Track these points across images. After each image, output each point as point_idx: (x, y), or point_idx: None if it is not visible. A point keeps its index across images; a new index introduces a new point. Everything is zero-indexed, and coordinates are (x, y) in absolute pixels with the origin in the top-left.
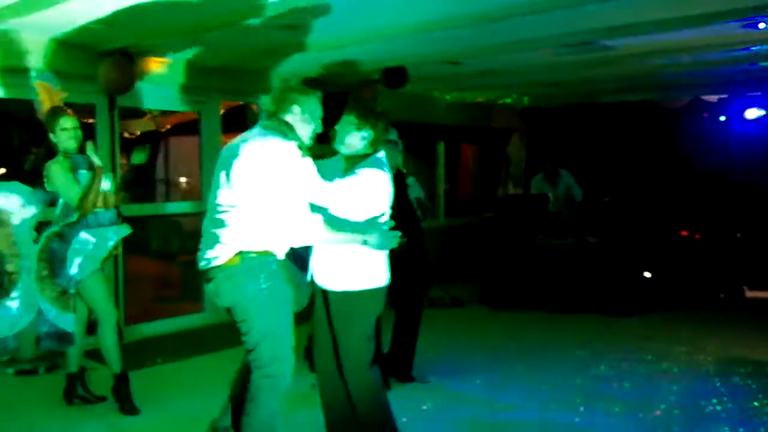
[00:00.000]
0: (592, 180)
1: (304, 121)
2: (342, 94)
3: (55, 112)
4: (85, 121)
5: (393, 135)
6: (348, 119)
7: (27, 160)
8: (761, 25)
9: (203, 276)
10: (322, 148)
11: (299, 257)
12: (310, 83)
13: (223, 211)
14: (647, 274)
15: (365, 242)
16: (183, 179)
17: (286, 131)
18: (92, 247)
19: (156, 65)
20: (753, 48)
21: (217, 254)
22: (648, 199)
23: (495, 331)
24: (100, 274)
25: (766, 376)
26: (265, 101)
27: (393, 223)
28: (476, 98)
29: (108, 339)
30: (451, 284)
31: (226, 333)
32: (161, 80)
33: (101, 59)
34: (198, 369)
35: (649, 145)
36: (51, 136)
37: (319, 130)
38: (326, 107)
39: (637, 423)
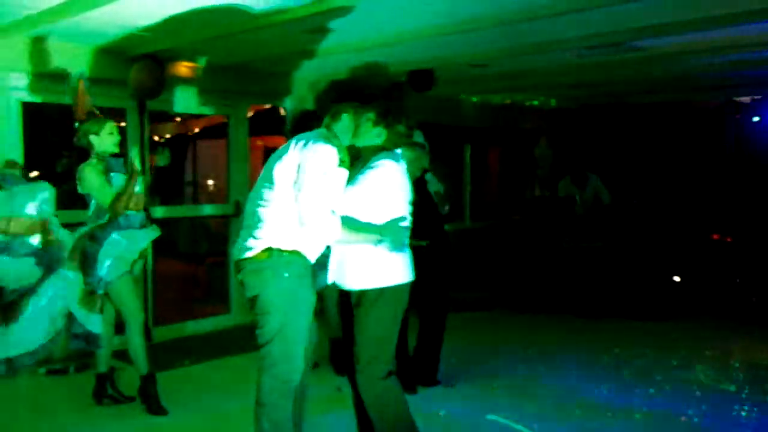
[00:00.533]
0: (621, 182)
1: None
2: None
3: (96, 115)
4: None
5: (419, 137)
6: (367, 115)
7: (60, 163)
8: None
9: (235, 266)
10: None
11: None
12: (339, 86)
13: (260, 207)
14: (677, 278)
15: (380, 242)
16: (210, 182)
17: (332, 138)
18: (122, 248)
19: (185, 69)
20: None
21: (249, 247)
22: (678, 202)
23: (520, 335)
24: (129, 276)
25: None
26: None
27: (410, 223)
28: (503, 100)
29: (135, 340)
30: (476, 287)
31: (252, 334)
32: (190, 84)
33: (131, 64)
34: (225, 370)
35: (679, 146)
36: (91, 138)
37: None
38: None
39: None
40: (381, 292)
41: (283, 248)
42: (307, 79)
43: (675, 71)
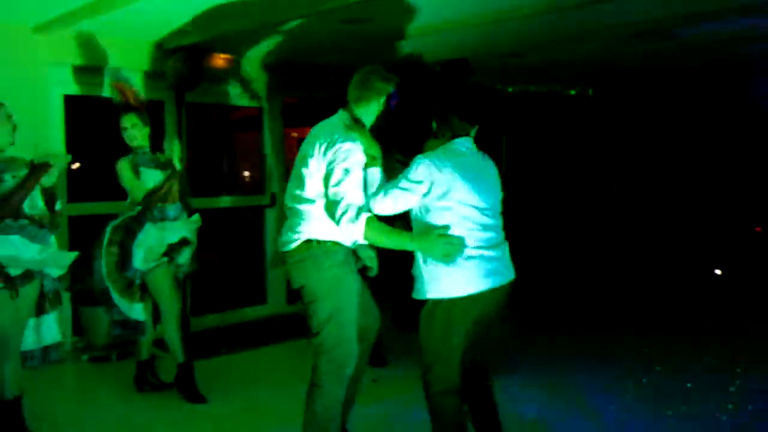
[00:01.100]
0: (659, 174)
1: (374, 111)
2: None
3: (128, 109)
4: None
5: None
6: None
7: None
8: None
9: (281, 259)
10: None
11: None
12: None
13: (295, 201)
14: (718, 272)
15: (423, 253)
16: (246, 173)
17: (355, 129)
18: (153, 240)
19: (221, 61)
20: None
21: (290, 240)
22: (721, 193)
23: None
24: (165, 267)
25: None
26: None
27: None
28: (539, 90)
29: (171, 329)
30: None
31: (288, 324)
32: (226, 76)
33: (169, 56)
34: (261, 359)
35: (725, 137)
36: (123, 132)
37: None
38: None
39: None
40: (435, 304)
41: (321, 239)
42: (341, 70)
43: (719, 59)
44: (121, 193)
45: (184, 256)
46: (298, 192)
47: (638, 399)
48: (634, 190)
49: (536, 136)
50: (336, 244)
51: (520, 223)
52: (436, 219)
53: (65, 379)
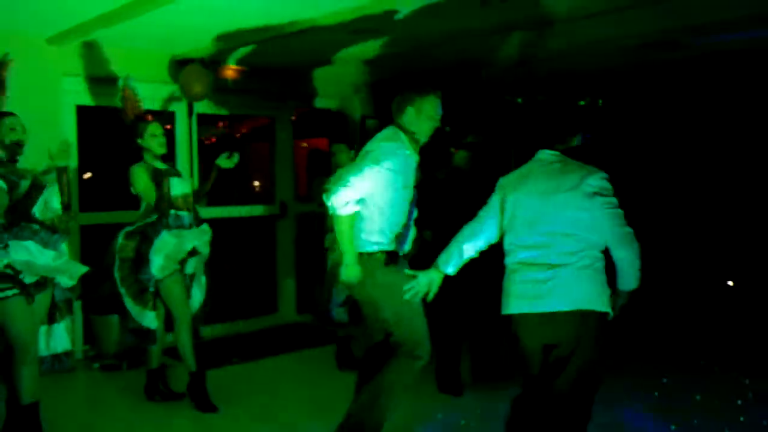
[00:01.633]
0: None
1: (419, 121)
2: None
3: (144, 119)
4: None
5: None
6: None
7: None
8: None
9: None
10: None
11: None
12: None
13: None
14: (730, 283)
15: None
16: (256, 183)
17: (397, 139)
18: (171, 247)
19: (231, 72)
20: None
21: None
22: (733, 204)
23: None
24: (179, 275)
25: None
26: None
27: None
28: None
29: (184, 338)
30: None
31: (299, 333)
32: (236, 86)
33: (181, 67)
34: (273, 368)
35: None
36: (138, 140)
37: (437, 125)
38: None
39: None
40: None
41: (369, 250)
42: (350, 81)
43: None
44: (132, 203)
45: (191, 266)
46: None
47: (647, 410)
48: (643, 199)
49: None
50: (383, 251)
51: None
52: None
53: (76, 387)
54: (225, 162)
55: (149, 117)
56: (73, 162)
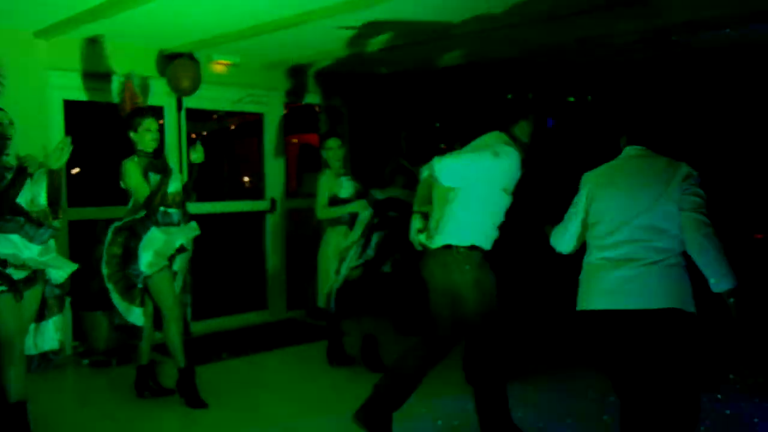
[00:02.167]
0: None
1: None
2: None
3: (140, 113)
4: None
5: None
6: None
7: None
8: None
9: (423, 252)
10: None
11: None
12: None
13: (444, 204)
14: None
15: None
16: (246, 178)
17: (511, 144)
18: (161, 244)
19: (221, 67)
20: None
21: (435, 239)
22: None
23: None
24: (168, 271)
25: None
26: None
27: None
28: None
29: (173, 334)
30: None
31: (288, 329)
32: (225, 81)
33: (169, 62)
34: (262, 364)
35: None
36: (130, 134)
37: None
38: None
39: None
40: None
41: (461, 244)
42: (339, 77)
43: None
44: (120, 198)
45: (177, 263)
46: (446, 194)
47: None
48: None
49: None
50: (475, 248)
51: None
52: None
53: (66, 383)
54: (194, 155)
55: (149, 112)
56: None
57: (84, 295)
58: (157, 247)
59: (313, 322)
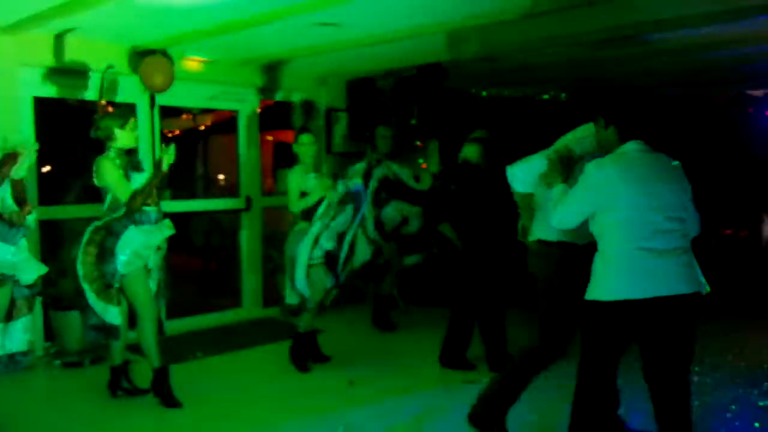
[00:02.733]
0: None
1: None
2: None
3: (127, 111)
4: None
5: None
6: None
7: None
8: None
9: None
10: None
11: None
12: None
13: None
14: None
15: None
16: (221, 176)
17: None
18: (138, 243)
19: (194, 64)
20: None
21: (533, 234)
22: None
23: None
24: (144, 271)
25: None
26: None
27: None
28: (514, 94)
29: (148, 334)
30: None
31: (263, 328)
32: (199, 78)
33: (141, 58)
34: (237, 363)
35: (690, 139)
36: (116, 131)
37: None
38: None
39: None
40: (589, 306)
41: (549, 239)
42: (317, 74)
43: (685, 65)
44: (94, 196)
45: (152, 261)
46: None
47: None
48: None
49: (510, 141)
50: (562, 244)
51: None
52: None
53: (37, 384)
54: (166, 159)
55: (110, 108)
56: (31, 157)
57: (56, 295)
58: (135, 247)
59: (287, 320)
